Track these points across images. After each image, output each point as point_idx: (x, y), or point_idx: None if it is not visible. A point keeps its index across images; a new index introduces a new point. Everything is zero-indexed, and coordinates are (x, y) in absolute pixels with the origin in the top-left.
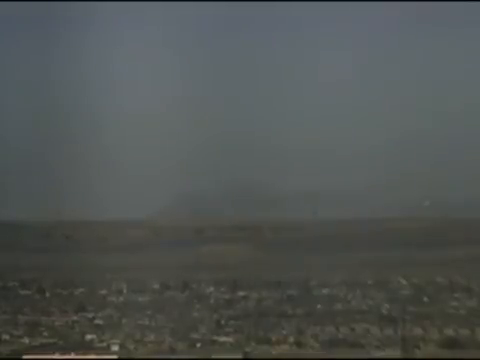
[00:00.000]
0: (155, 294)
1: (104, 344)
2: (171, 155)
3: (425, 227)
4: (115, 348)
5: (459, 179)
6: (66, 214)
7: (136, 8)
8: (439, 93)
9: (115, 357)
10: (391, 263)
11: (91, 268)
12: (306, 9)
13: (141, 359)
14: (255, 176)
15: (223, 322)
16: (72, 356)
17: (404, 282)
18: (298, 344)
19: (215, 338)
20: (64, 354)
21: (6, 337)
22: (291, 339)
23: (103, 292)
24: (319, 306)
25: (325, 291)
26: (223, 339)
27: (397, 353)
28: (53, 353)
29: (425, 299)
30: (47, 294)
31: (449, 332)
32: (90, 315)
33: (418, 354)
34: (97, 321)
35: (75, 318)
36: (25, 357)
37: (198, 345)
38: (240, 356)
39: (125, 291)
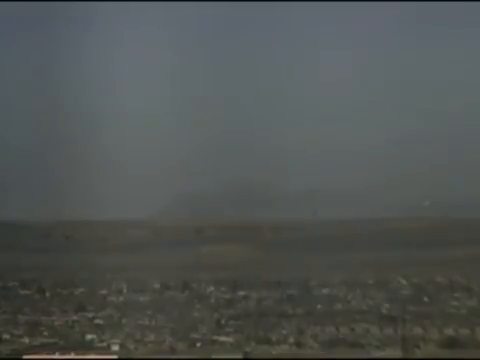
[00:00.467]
0: (155, 294)
1: (104, 344)
2: (171, 155)
3: (425, 227)
4: (115, 348)
5: (459, 179)
6: (66, 214)
7: (136, 8)
8: (439, 93)
9: (115, 357)
10: (391, 263)
11: (91, 268)
12: (306, 9)
13: (141, 359)
14: (255, 176)
15: (223, 322)
16: (72, 356)
17: (404, 282)
18: (298, 344)
19: (215, 338)
20: (64, 354)
21: (6, 337)
22: (291, 339)
23: (103, 292)
24: (319, 306)
25: (325, 291)
26: (223, 339)
27: (397, 353)
28: (53, 353)
29: (425, 299)
30: (47, 294)
31: (449, 332)
32: (90, 315)
33: (418, 354)
34: (97, 321)
35: (75, 318)
36: (25, 357)
37: (198, 345)
38: (240, 356)
39: (125, 291)
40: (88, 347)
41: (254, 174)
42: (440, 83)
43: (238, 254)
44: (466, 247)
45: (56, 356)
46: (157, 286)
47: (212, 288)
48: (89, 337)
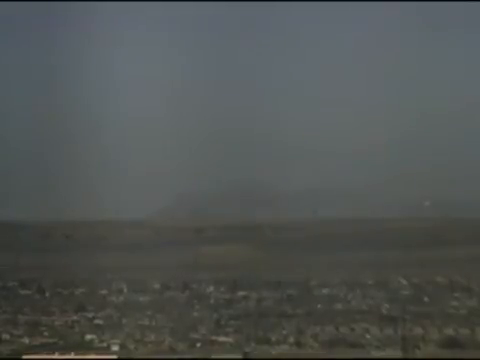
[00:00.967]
0: (155, 294)
1: (104, 344)
2: (171, 155)
3: (425, 227)
4: (115, 348)
5: (459, 179)
6: (66, 214)
7: (137, 8)
8: (439, 93)
9: (115, 357)
10: (391, 263)
11: (91, 268)
12: (307, 9)
13: (141, 359)
14: (255, 176)
15: (223, 322)
16: (72, 356)
17: (404, 282)
18: (298, 344)
19: (215, 338)
20: (64, 354)
21: (6, 337)
22: (291, 339)
23: (103, 292)
24: (319, 306)
25: (325, 291)
26: (223, 339)
27: (397, 353)
28: (53, 353)
29: (425, 299)
30: (47, 294)
31: (449, 332)
32: (90, 315)
33: (418, 354)
34: (97, 321)
35: (75, 318)
36: (25, 357)
37: (198, 345)
38: (240, 356)
39: (125, 291)
40: (88, 347)
41: (254, 174)
42: (440, 83)
43: (238, 254)
44: (466, 247)
45: (56, 356)
46: (157, 286)
47: (212, 288)
48: (89, 337)
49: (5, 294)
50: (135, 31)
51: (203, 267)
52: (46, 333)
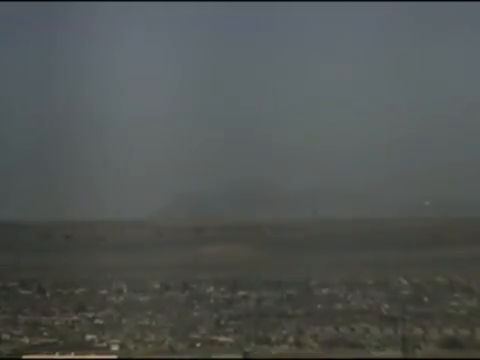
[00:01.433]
0: (155, 294)
1: (104, 344)
2: (171, 155)
3: (425, 227)
4: (115, 348)
5: (459, 179)
6: (66, 214)
7: (137, 8)
8: (440, 93)
9: (115, 357)
10: (391, 263)
11: (91, 268)
12: (307, 9)
13: (141, 359)
14: (255, 176)
15: (223, 322)
16: (72, 356)
17: (404, 282)
18: (298, 344)
19: (215, 338)
20: (64, 354)
21: (6, 337)
22: (291, 339)
23: (103, 292)
24: (319, 306)
25: (325, 291)
26: (223, 339)
27: (397, 353)
28: (53, 353)
29: (425, 299)
30: (47, 294)
31: (449, 332)
32: (90, 315)
33: (418, 354)
34: (97, 321)
35: (75, 318)
36: (25, 357)
37: (198, 345)
38: (240, 356)
39: (125, 291)
40: (88, 347)
41: (254, 174)
42: (440, 83)
43: (238, 254)
44: (466, 247)
45: (56, 356)
46: (157, 286)
47: (212, 288)
48: (89, 337)
49: (5, 294)
50: (135, 31)
51: (203, 267)
52: (46, 333)
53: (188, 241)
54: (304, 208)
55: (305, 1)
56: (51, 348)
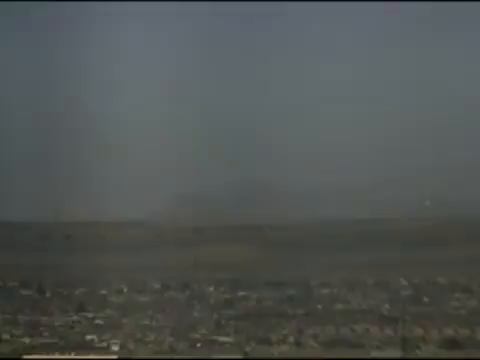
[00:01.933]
0: (155, 294)
1: (104, 344)
2: (171, 155)
3: (425, 227)
4: (115, 348)
5: (459, 179)
6: (66, 214)
7: (137, 8)
8: (440, 93)
9: (115, 357)
10: (391, 263)
11: (91, 268)
12: (307, 9)
13: (141, 359)
14: (256, 176)
15: (223, 322)
16: (72, 356)
17: (404, 282)
18: (298, 344)
19: (215, 338)
20: (64, 354)
21: (6, 337)
22: (291, 339)
23: (103, 292)
24: (319, 306)
25: (325, 291)
26: (223, 339)
27: (397, 353)
28: (53, 353)
29: (425, 299)
30: (47, 294)
31: (449, 332)
32: (90, 315)
33: (418, 354)
34: (97, 321)
35: (75, 318)
36: (25, 357)
37: (198, 345)
38: (240, 356)
39: (125, 291)
40: (88, 347)
41: (254, 174)
42: (441, 83)
43: (238, 254)
44: (466, 247)
45: (56, 356)
46: (157, 286)
47: (212, 288)
48: (89, 337)
49: (5, 294)
50: (135, 31)
51: (203, 267)
52: (46, 333)
53: (188, 241)
54: (304, 208)
55: (305, 1)
56: (51, 348)
